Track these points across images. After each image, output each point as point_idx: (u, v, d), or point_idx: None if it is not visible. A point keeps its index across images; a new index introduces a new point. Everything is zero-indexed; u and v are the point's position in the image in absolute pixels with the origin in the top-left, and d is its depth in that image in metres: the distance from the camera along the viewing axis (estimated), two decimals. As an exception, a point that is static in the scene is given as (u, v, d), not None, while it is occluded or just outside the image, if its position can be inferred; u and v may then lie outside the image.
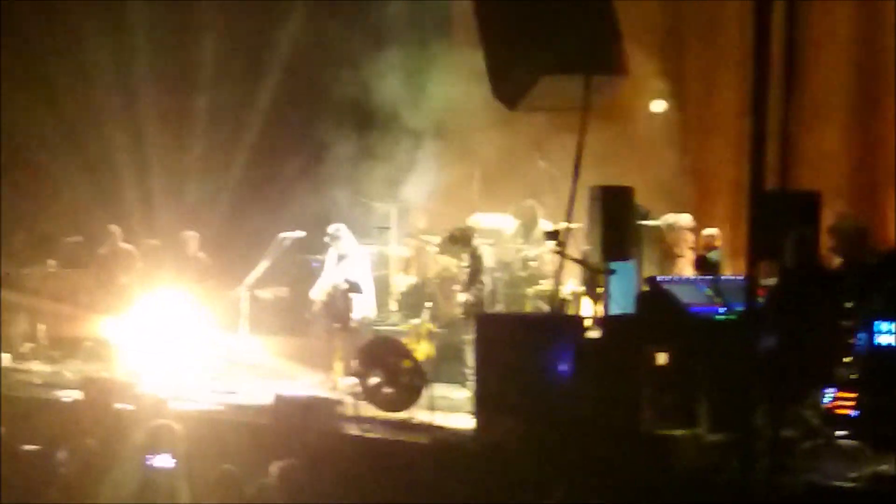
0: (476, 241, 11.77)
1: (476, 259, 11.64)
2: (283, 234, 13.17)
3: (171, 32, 15.93)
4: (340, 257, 12.68)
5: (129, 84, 15.91)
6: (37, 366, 13.70)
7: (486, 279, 11.59)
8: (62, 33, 16.02)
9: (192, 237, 14.14)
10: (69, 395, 11.76)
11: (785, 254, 9.05)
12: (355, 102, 13.95)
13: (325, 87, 14.41)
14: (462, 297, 11.61)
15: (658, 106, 10.11)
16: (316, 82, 14.77)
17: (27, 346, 14.25)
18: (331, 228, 12.74)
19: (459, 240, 11.77)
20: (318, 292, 12.67)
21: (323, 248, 12.98)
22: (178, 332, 12.91)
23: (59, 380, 12.81)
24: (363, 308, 12.37)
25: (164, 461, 8.72)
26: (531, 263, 12.16)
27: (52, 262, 14.95)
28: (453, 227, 11.98)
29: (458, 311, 11.70)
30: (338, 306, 12.22)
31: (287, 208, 14.33)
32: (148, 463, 8.73)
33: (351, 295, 12.12)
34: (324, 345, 12.43)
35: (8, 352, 13.85)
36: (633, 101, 12.69)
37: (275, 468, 8.57)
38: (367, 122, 14.11)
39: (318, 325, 12.63)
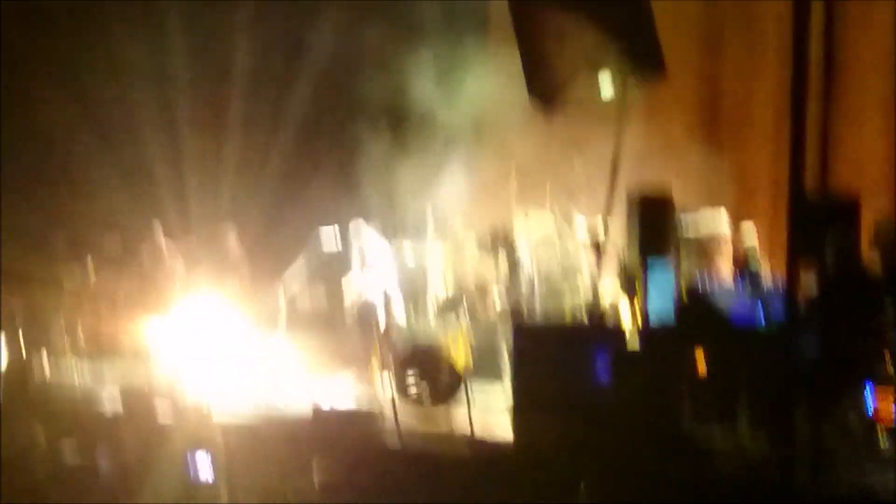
0: (516, 243, 11.75)
1: (514, 260, 11.62)
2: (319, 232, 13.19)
3: (206, 33, 15.93)
4: (362, 255, 12.68)
5: (165, 84, 15.94)
6: (76, 367, 13.74)
7: (522, 280, 11.56)
8: (97, 34, 16.04)
9: (230, 231, 14.17)
10: (110, 405, 11.80)
11: (825, 256, 8.97)
12: (391, 101, 13.93)
13: (360, 86, 14.39)
14: (498, 297, 11.60)
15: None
16: (352, 81, 14.75)
17: (66, 347, 14.29)
18: (350, 226, 12.75)
19: (500, 239, 11.76)
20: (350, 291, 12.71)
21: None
22: (217, 334, 12.94)
23: (99, 387, 12.83)
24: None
25: (204, 473, 8.74)
26: (569, 269, 12.08)
27: (89, 260, 14.99)
28: (493, 226, 11.96)
29: (495, 312, 11.69)
30: (371, 317, 12.22)
31: (323, 207, 14.34)
32: (188, 474, 8.76)
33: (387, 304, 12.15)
34: (360, 348, 12.44)
35: (47, 351, 13.89)
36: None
37: (316, 480, 8.60)
38: (403, 121, 14.08)
39: (354, 329, 12.67)
